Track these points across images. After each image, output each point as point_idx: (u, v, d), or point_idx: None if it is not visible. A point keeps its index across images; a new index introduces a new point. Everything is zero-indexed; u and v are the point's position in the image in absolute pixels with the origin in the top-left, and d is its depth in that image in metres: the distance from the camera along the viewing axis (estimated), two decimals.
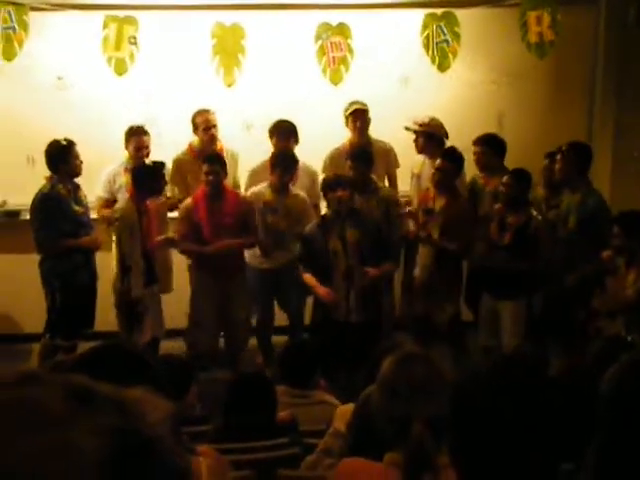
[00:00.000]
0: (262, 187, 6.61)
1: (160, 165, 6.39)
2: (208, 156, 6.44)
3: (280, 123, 6.86)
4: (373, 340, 6.05)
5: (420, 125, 6.88)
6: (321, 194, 6.33)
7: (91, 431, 0.79)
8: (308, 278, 6.08)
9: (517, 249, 6.02)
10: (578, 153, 6.32)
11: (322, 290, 5.96)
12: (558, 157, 6.34)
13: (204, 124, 6.85)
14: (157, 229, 6.44)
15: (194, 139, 6.97)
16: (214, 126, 6.89)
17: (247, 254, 6.73)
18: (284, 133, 6.81)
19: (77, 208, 6.43)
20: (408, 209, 6.87)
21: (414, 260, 6.68)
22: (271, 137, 6.87)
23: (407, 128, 6.94)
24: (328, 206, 6.11)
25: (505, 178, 6.15)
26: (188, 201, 6.45)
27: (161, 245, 6.52)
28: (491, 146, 6.69)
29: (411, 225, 6.79)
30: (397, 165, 7.20)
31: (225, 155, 6.77)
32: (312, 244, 6.02)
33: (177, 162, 6.90)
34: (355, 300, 5.97)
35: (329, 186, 6.02)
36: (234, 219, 6.39)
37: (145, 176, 6.25)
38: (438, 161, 6.43)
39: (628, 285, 5.60)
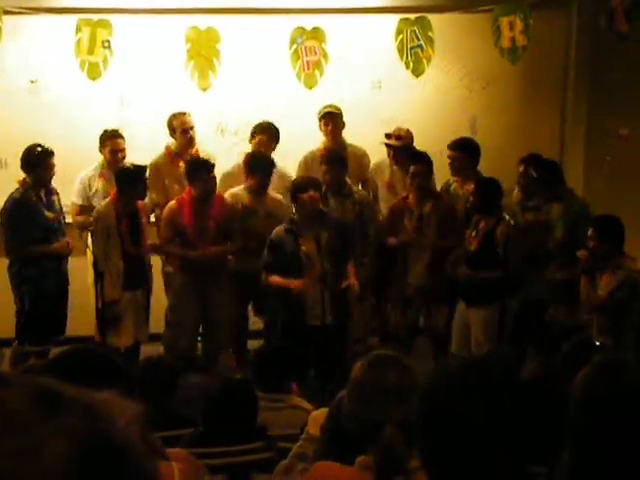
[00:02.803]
0: (239, 190, 6.59)
1: (142, 169, 6.37)
2: (208, 164, 6.40)
3: (267, 124, 6.90)
4: (345, 343, 6.09)
5: (398, 138, 6.91)
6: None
7: (57, 433, 0.79)
8: (276, 279, 6.02)
9: (484, 254, 6.07)
10: (540, 168, 6.41)
11: (296, 283, 5.89)
12: (518, 178, 6.45)
13: (181, 126, 6.86)
14: (146, 231, 6.44)
15: (171, 142, 6.96)
16: (191, 128, 6.90)
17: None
18: (270, 133, 6.84)
19: (48, 214, 6.40)
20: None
21: (405, 268, 6.56)
22: (254, 136, 6.87)
23: (386, 144, 6.96)
24: (296, 209, 6.05)
25: (472, 188, 6.24)
26: (172, 204, 6.40)
27: (149, 251, 6.50)
28: (466, 150, 6.72)
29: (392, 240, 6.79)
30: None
31: None
32: (281, 248, 5.98)
33: (154, 166, 6.86)
34: (330, 303, 5.98)
35: (299, 188, 5.99)
36: (217, 223, 6.39)
37: (128, 179, 6.22)
38: (412, 167, 6.45)
39: (601, 288, 5.67)
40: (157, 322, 6.62)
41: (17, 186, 6.37)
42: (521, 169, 6.62)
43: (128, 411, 0.90)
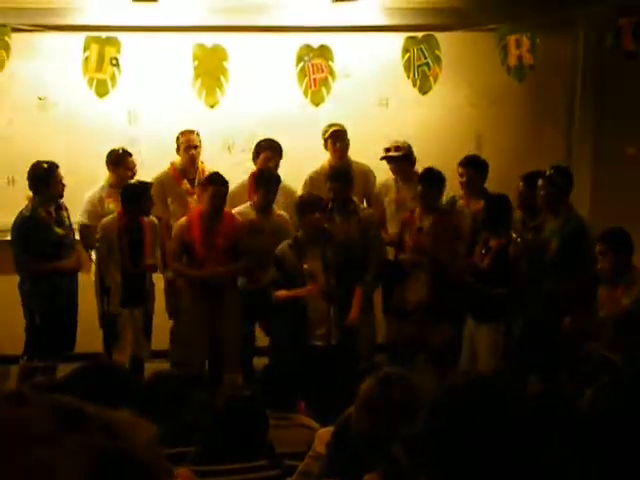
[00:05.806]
0: (245, 207, 6.60)
1: (148, 185, 6.38)
2: (213, 179, 6.39)
3: (270, 140, 6.94)
4: (351, 361, 6.06)
5: (397, 150, 6.92)
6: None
7: (76, 450, 0.80)
8: (283, 293, 6.05)
9: (496, 272, 6.06)
10: (563, 177, 6.39)
11: (305, 289, 5.94)
12: (540, 182, 6.36)
13: (185, 144, 6.91)
14: (149, 249, 6.43)
15: (177, 159, 6.99)
16: (195, 147, 6.92)
17: None
18: (274, 149, 6.88)
19: (58, 230, 6.40)
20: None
21: (404, 283, 6.56)
22: (259, 154, 6.89)
23: (386, 157, 6.96)
24: (301, 227, 6.07)
25: (482, 204, 6.24)
26: (182, 220, 6.43)
27: (150, 269, 6.48)
28: (476, 168, 6.74)
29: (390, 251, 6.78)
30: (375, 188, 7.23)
31: None
32: (284, 265, 6.02)
33: (159, 181, 6.90)
34: (335, 322, 5.96)
35: (306, 208, 6.01)
36: (227, 241, 6.36)
37: (133, 196, 6.23)
38: (419, 187, 6.45)
39: (620, 297, 5.71)
40: (160, 339, 6.59)
41: (26, 202, 6.37)
42: (521, 186, 6.58)
43: (144, 430, 0.91)
